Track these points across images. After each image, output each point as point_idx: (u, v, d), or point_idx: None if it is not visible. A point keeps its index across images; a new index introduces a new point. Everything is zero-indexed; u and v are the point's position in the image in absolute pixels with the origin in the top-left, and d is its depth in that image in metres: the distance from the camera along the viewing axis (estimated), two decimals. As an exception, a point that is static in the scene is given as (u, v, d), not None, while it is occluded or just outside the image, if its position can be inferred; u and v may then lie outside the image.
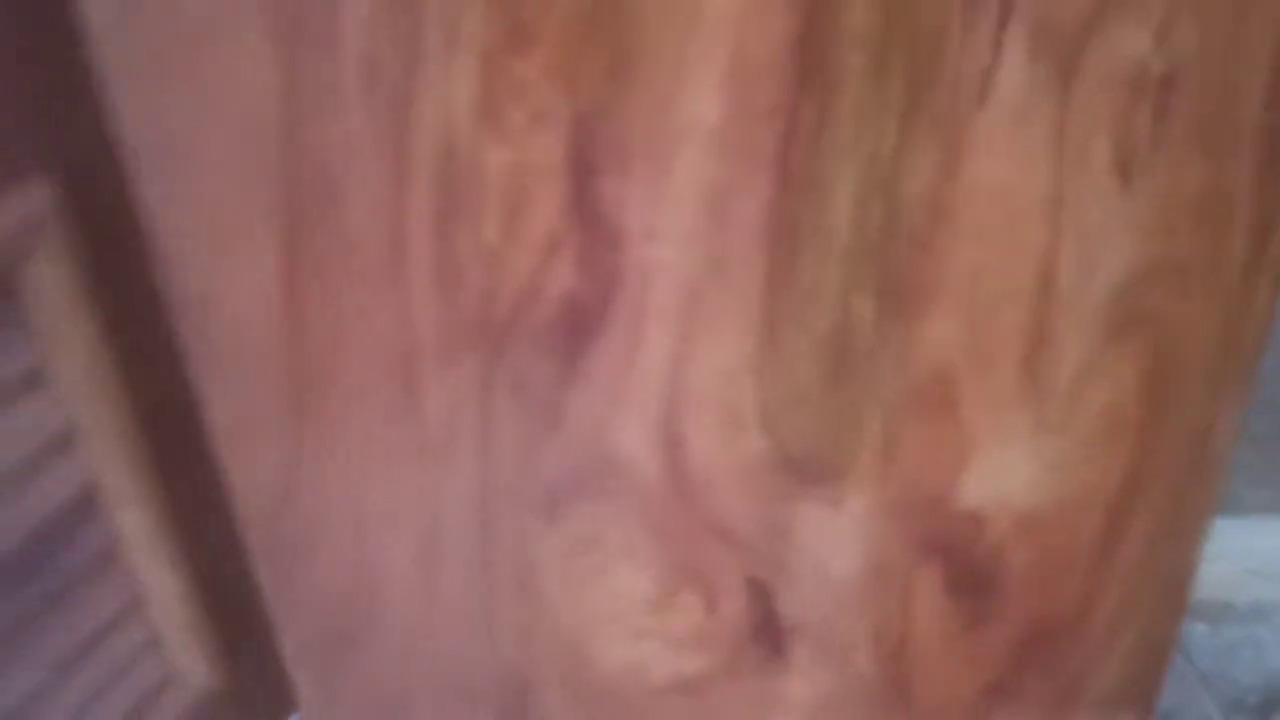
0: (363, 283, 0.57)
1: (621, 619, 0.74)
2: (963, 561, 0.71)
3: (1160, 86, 0.51)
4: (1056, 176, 0.54)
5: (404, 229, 0.55)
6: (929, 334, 0.60)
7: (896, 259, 0.57)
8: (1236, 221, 0.56)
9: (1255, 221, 0.56)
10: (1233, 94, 0.52)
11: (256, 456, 0.65)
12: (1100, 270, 0.58)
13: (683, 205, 0.54)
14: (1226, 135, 0.53)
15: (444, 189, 0.54)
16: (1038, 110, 0.51)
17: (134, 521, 0.69)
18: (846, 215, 0.55)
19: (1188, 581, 0.75)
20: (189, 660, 0.77)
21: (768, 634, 0.75)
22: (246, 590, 0.71)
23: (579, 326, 0.59)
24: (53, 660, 0.69)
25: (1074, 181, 0.54)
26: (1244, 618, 1.17)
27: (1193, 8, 0.49)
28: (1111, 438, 0.65)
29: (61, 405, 0.63)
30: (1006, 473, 0.66)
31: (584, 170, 0.53)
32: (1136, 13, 0.49)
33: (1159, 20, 0.49)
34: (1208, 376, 0.63)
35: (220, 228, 0.56)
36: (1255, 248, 0.57)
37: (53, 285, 0.60)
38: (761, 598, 0.73)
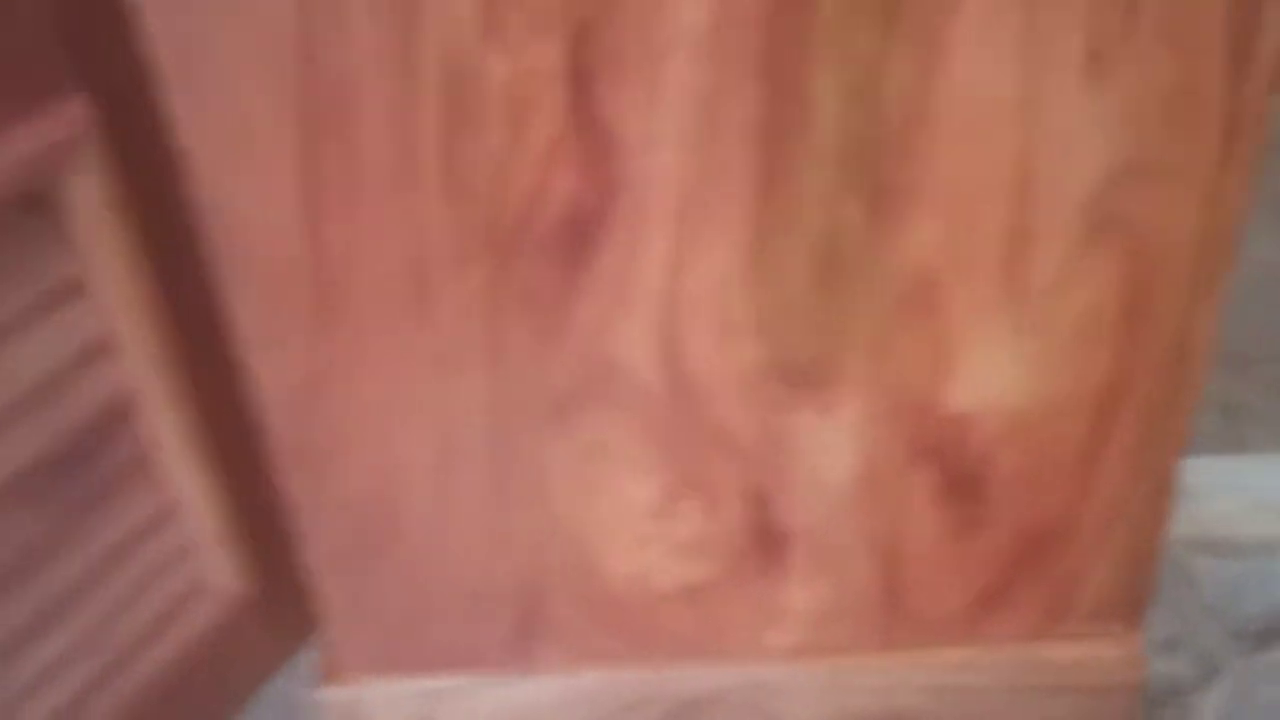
0: (377, 191, 0.60)
1: (627, 526, 0.77)
2: (953, 466, 0.74)
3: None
4: (1029, 76, 0.57)
5: (413, 140, 0.58)
6: (913, 237, 0.63)
7: (881, 161, 0.59)
8: (1207, 119, 0.59)
9: (1225, 119, 0.59)
10: (1197, -8, 0.54)
11: (280, 366, 0.68)
12: (1076, 171, 0.60)
13: (676, 111, 0.57)
14: (1194, 32, 0.55)
15: (450, 99, 0.57)
16: (1009, 10, 0.54)
17: (168, 428, 0.72)
18: (831, 119, 0.58)
19: (1171, 488, 0.78)
20: (217, 569, 0.81)
21: (767, 542, 0.78)
22: (274, 502, 0.74)
23: (582, 235, 0.62)
24: (86, 565, 0.72)
25: (1047, 79, 0.57)
26: (1250, 552, 1.19)
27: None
28: (1092, 339, 0.68)
29: (98, 314, 0.66)
30: (992, 375, 0.69)
31: (582, 78, 0.56)
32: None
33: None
34: (1185, 276, 0.65)
35: (241, 140, 0.59)
36: (1226, 145, 0.59)
37: (90, 198, 0.63)
38: (760, 505, 0.76)
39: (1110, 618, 0.85)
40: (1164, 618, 1.10)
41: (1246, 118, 0.58)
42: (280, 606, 0.87)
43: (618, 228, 0.62)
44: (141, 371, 0.69)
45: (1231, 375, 1.36)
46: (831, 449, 0.73)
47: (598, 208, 0.61)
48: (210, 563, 0.80)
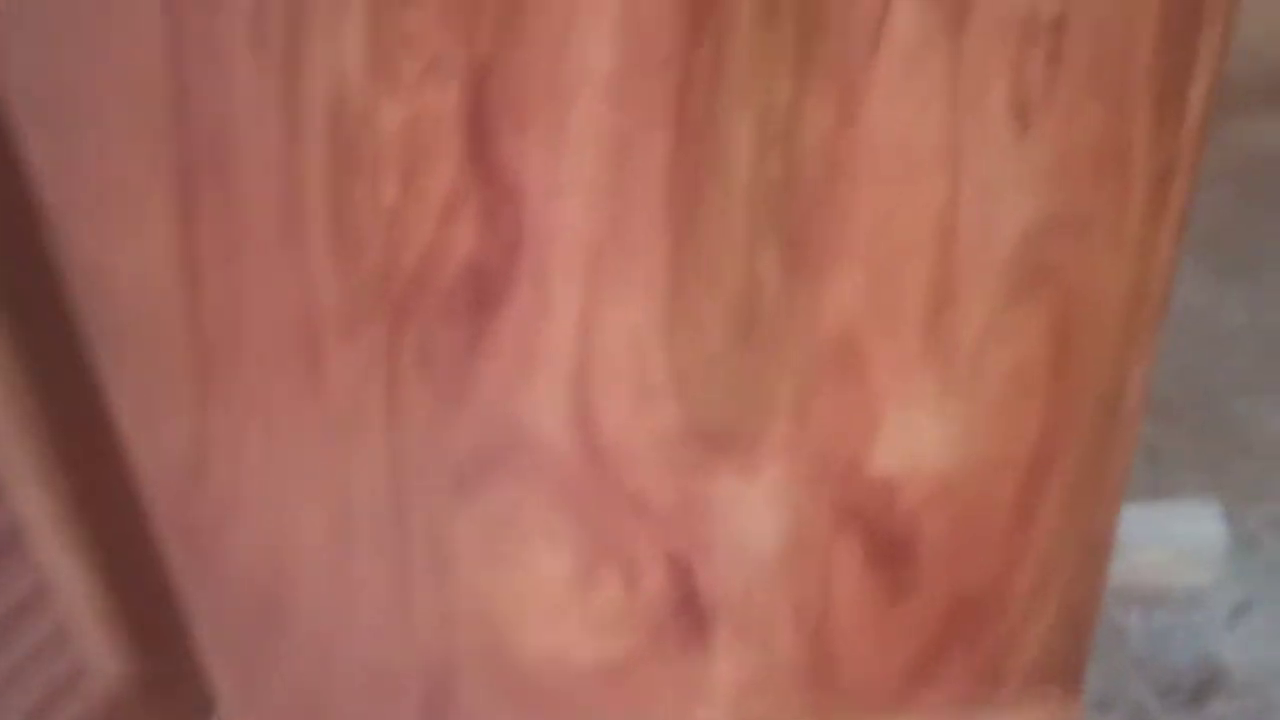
0: (261, 247, 0.56)
1: (541, 600, 0.73)
2: (880, 531, 0.71)
3: (1052, 30, 0.51)
4: (953, 124, 0.54)
5: (300, 190, 0.54)
6: (834, 292, 0.60)
7: (798, 212, 0.57)
8: (1135, 169, 0.57)
9: (1154, 169, 0.57)
10: (1125, 38, 0.52)
11: (162, 434, 0.63)
12: (1001, 222, 0.58)
13: (582, 159, 0.54)
14: (1120, 80, 0.53)
15: (338, 147, 0.53)
16: (931, 57, 0.52)
17: (36, 504, 0.68)
18: (746, 167, 0.55)
19: (1106, 548, 0.75)
20: (99, 651, 0.76)
21: (689, 612, 0.75)
22: (159, 579, 0.69)
23: (484, 290, 0.59)
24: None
25: (971, 129, 0.54)
26: (1178, 603, 1.18)
27: (1080, -49, 0.50)
28: (1020, 399, 0.65)
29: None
30: (917, 437, 0.66)
31: (481, 124, 0.53)
32: (1024, -45, 0.50)
33: (1046, -37, 0.50)
34: (1115, 332, 0.63)
35: (112, 192, 0.55)
36: (1155, 196, 0.57)
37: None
38: (682, 574, 0.73)
39: (1047, 683, 0.82)
40: (1094, 674, 1.08)
41: (1177, 168, 0.56)
42: (169, 689, 0.82)
43: (522, 284, 0.58)
44: (3, 442, 0.64)
45: (1156, 421, 1.36)
46: (754, 514, 0.70)
47: (500, 263, 0.57)
48: (91, 645, 0.74)
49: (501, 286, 0.59)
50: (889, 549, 0.72)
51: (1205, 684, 1.12)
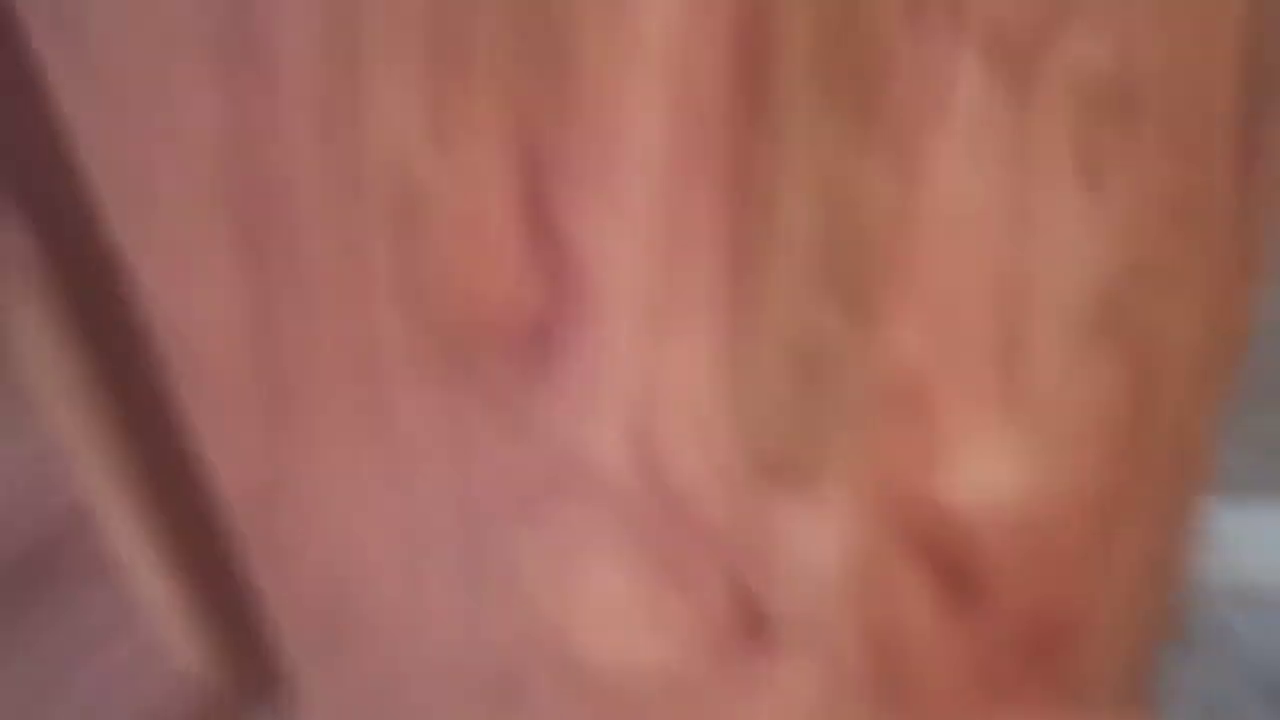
0: (325, 302, 0.57)
1: (607, 617, 0.74)
2: (948, 559, 0.70)
3: (1123, 92, 0.49)
4: (1022, 185, 0.52)
5: (361, 250, 0.55)
6: (898, 341, 0.58)
7: (861, 270, 0.55)
8: (1214, 223, 0.54)
9: (1234, 222, 0.54)
10: (1201, 96, 0.50)
11: (238, 470, 0.66)
12: (1076, 274, 0.56)
13: (638, 225, 0.54)
14: (1197, 138, 0.51)
15: (398, 211, 0.53)
16: (997, 122, 0.50)
17: (127, 528, 0.71)
18: (805, 229, 0.54)
19: (1182, 578, 0.73)
20: (188, 660, 0.79)
21: (754, 630, 0.75)
22: (244, 590, 0.72)
23: (545, 341, 0.59)
24: (51, 665, 0.70)
25: (1041, 190, 0.52)
26: (1287, 605, 1.14)
27: (1151, 11, 0.47)
28: (1095, 438, 0.63)
29: (51, 427, 0.64)
30: (987, 473, 0.65)
31: (539, 196, 0.53)
32: (1092, 20, 0.47)
33: (1116, 26, 0.48)
34: (1195, 378, 0.61)
35: (185, 256, 0.56)
36: (1238, 246, 0.55)
37: (36, 315, 0.61)
38: (746, 595, 0.73)
39: (1124, 706, 0.81)
40: (1201, 679, 1.05)
41: (1261, 215, 0.53)
42: (260, 692, 0.85)
43: (583, 334, 0.58)
44: (95, 477, 0.67)
45: (1273, 410, 1.29)
46: (819, 541, 0.70)
47: (560, 315, 0.57)
48: (181, 655, 0.78)
49: (563, 337, 0.59)
50: (958, 577, 0.71)
51: (1318, 693, 1.08)
